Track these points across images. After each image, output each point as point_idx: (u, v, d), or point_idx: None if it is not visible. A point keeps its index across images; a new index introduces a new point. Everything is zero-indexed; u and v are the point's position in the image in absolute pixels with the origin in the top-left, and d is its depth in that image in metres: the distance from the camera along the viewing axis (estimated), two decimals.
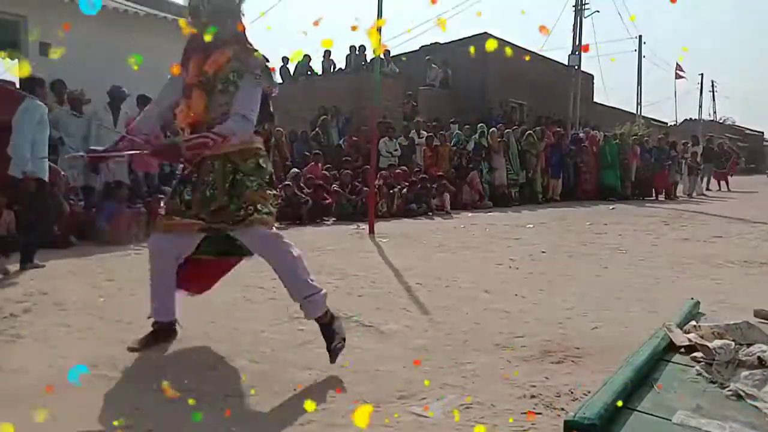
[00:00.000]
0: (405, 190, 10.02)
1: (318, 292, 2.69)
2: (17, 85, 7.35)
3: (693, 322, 2.07)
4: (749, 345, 1.83)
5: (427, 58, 17.56)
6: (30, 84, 4.97)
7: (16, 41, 8.43)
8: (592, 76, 24.03)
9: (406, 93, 15.65)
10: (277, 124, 2.95)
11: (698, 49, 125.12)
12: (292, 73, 15.77)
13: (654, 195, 14.98)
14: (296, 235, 6.62)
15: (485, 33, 17.20)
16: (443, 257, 5.85)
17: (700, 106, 39.44)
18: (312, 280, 2.70)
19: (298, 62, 15.48)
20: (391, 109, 14.31)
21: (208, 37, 2.66)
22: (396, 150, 11.49)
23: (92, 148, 3.39)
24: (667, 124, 32.95)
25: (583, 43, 20.90)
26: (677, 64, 28.64)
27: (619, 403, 1.43)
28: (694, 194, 15.76)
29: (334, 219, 8.91)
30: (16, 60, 7.73)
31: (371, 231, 7.38)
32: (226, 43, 2.69)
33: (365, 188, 8.93)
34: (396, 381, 2.53)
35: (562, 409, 2.24)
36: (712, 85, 44.26)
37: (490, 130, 12.64)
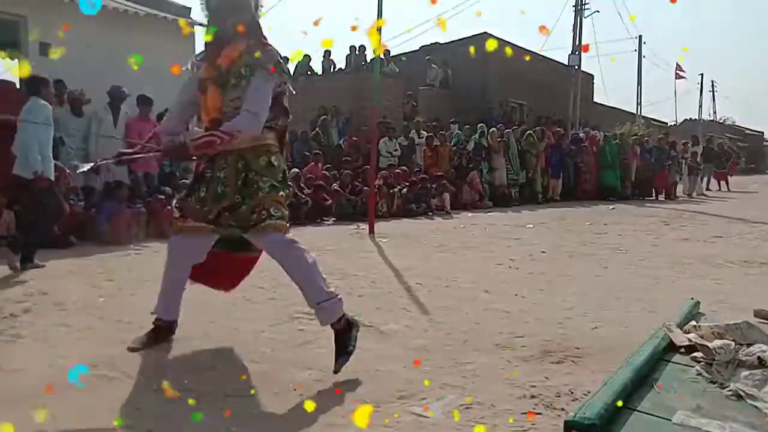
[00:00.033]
0: (405, 190, 10.02)
1: (331, 299, 2.64)
2: (17, 85, 7.38)
3: (693, 322, 2.07)
4: (749, 345, 1.83)
5: (427, 58, 17.56)
6: (35, 84, 4.98)
7: (16, 41, 8.43)
8: (592, 76, 24.04)
9: (406, 93, 15.65)
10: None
11: (698, 49, 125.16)
12: (292, 73, 15.77)
13: (654, 195, 14.98)
14: (296, 235, 6.59)
15: (485, 33, 17.21)
16: (443, 257, 5.85)
17: (700, 106, 39.50)
18: (327, 287, 2.66)
19: (298, 62, 15.47)
20: (391, 109, 14.31)
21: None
22: (396, 150, 11.49)
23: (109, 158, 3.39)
24: (667, 124, 32.96)
25: (583, 43, 20.92)
26: (677, 64, 28.70)
27: (619, 403, 1.43)
28: (694, 194, 15.75)
29: (334, 219, 8.91)
30: (16, 60, 7.74)
31: (371, 231, 7.38)
32: (239, 37, 2.64)
33: (365, 188, 8.93)
34: (396, 381, 2.53)
35: (562, 409, 2.24)
36: (712, 85, 44.34)
37: (490, 130, 12.64)
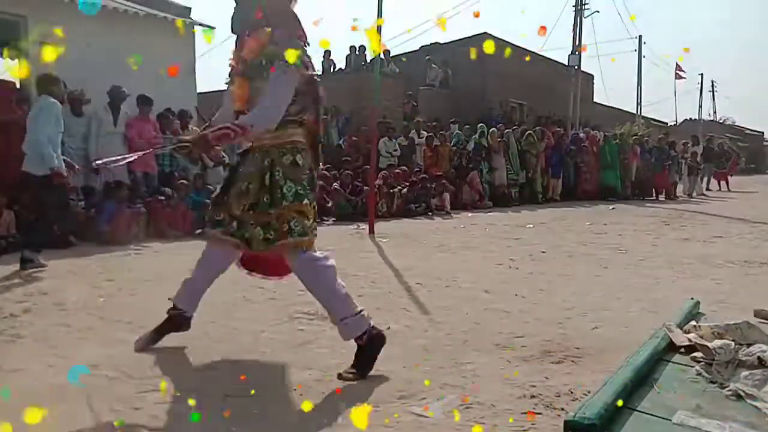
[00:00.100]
0: (405, 190, 10.03)
1: (354, 315, 2.60)
2: (17, 85, 7.39)
3: (693, 322, 2.07)
4: (749, 345, 1.83)
5: (427, 58, 17.57)
6: (46, 82, 5.05)
7: (16, 41, 8.42)
8: (592, 76, 24.06)
9: (406, 93, 15.65)
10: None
11: (698, 49, 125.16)
12: None
13: (654, 195, 14.98)
14: None
15: (485, 33, 17.22)
16: (443, 257, 5.85)
17: (700, 106, 39.49)
18: (351, 301, 2.62)
19: None
20: (391, 109, 14.31)
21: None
22: (396, 150, 11.48)
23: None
24: (667, 124, 32.97)
25: (584, 43, 20.92)
26: (677, 64, 28.68)
27: (619, 403, 1.43)
28: (694, 194, 15.76)
29: (334, 219, 8.91)
30: (16, 60, 7.74)
31: (371, 231, 7.38)
32: (261, 25, 2.58)
33: (365, 188, 8.93)
34: (396, 381, 2.53)
35: (562, 409, 2.24)
36: (712, 85, 44.34)
37: (490, 130, 12.64)
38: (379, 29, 7.37)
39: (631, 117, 23.39)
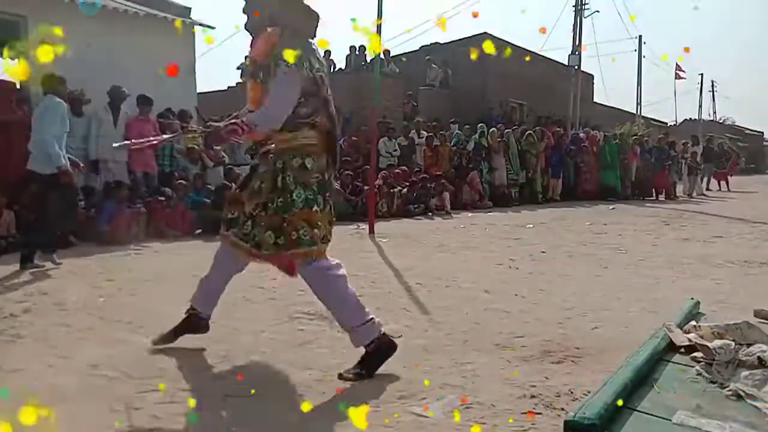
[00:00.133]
0: (405, 190, 10.03)
1: (365, 323, 2.58)
2: (17, 85, 7.38)
3: (693, 322, 2.07)
4: (749, 345, 1.83)
5: (427, 58, 17.56)
6: (51, 81, 5.09)
7: (16, 41, 8.42)
8: (592, 76, 24.05)
9: (406, 93, 15.65)
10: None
11: (698, 49, 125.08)
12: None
13: (654, 195, 14.98)
14: None
15: (485, 33, 17.21)
16: (443, 257, 5.85)
17: (700, 106, 39.47)
18: (362, 309, 2.60)
19: None
20: (391, 109, 14.31)
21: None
22: (396, 150, 11.48)
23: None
24: (667, 124, 32.96)
25: (583, 43, 20.93)
26: (677, 64, 28.64)
27: (619, 403, 1.43)
28: (694, 194, 15.75)
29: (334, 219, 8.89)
30: (16, 60, 7.73)
31: (371, 231, 7.38)
32: (265, 26, 2.57)
33: (365, 188, 8.93)
34: (396, 381, 2.53)
35: (562, 409, 2.24)
36: (712, 85, 44.32)
37: (490, 130, 12.64)
38: (378, 29, 7.37)
39: (631, 117, 23.38)
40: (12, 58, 7.64)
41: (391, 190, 9.84)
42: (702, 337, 1.90)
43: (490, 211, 10.82)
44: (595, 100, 24.41)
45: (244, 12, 2.65)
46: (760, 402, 1.51)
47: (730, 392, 1.58)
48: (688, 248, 6.46)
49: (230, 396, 2.37)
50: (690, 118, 40.20)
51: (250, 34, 2.67)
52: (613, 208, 11.61)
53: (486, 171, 12.21)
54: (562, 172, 13.63)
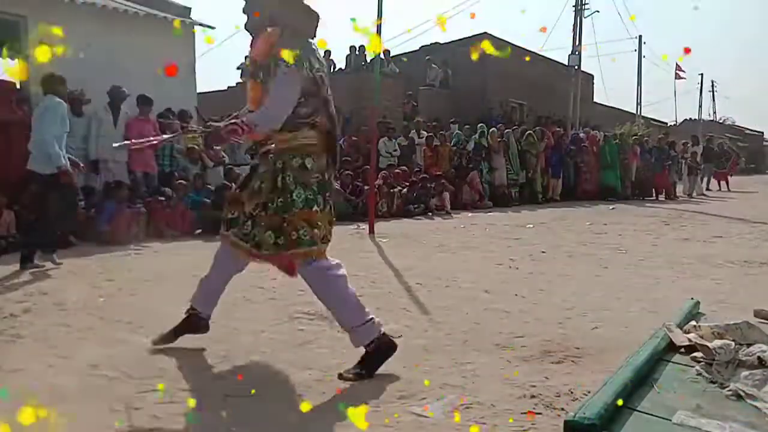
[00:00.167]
0: (405, 190, 10.03)
1: (365, 323, 2.58)
2: (17, 85, 7.39)
3: (693, 322, 2.07)
4: (749, 345, 1.82)
5: (427, 58, 17.57)
6: (52, 81, 5.09)
7: (16, 41, 8.42)
8: (592, 76, 24.05)
9: (406, 93, 15.66)
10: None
11: (698, 49, 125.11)
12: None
13: (654, 195, 14.98)
14: None
15: (485, 33, 17.22)
16: (443, 257, 5.85)
17: (700, 106, 39.47)
18: (362, 309, 2.60)
19: None
20: (391, 109, 14.32)
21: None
22: (396, 150, 11.48)
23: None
24: (667, 124, 32.96)
25: (583, 43, 20.94)
26: (677, 64, 28.65)
27: (619, 403, 1.43)
28: (694, 194, 15.75)
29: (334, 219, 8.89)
30: (16, 60, 7.74)
31: (371, 231, 7.38)
32: (265, 26, 2.56)
33: (365, 188, 8.93)
34: (396, 381, 2.53)
35: (562, 409, 2.24)
36: (712, 85, 44.33)
37: (490, 130, 12.64)
38: (378, 29, 7.37)
39: (631, 117, 23.38)
40: (12, 58, 7.65)
41: (391, 190, 9.84)
42: (702, 337, 1.90)
43: (490, 211, 10.82)
44: (595, 100, 24.41)
45: (244, 12, 2.65)
46: (760, 402, 1.51)
47: (730, 392, 1.57)
48: (688, 248, 6.46)
49: (230, 396, 2.37)
50: (690, 118, 40.22)
51: (250, 34, 2.67)
52: (613, 208, 11.61)
53: (486, 171, 12.21)
54: (562, 172, 13.63)
